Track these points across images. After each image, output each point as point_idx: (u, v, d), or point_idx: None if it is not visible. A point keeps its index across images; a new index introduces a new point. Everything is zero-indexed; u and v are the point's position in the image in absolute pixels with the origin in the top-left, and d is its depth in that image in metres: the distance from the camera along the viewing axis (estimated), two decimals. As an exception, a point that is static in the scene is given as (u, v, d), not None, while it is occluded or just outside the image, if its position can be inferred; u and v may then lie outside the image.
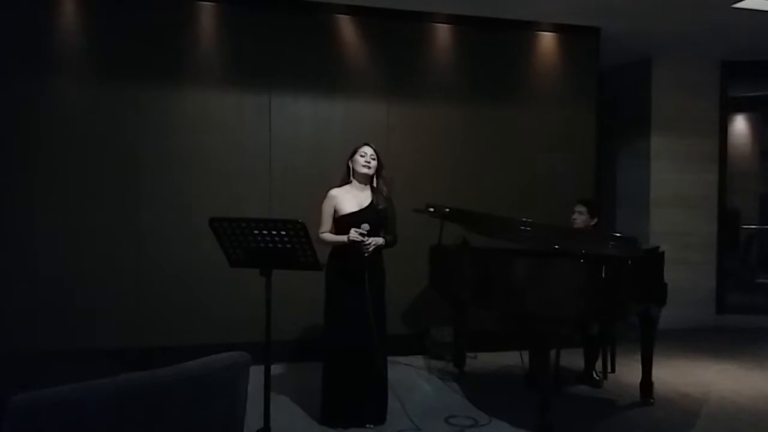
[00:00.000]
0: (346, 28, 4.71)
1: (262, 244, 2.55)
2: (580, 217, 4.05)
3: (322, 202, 3.30)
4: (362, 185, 3.32)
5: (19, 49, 4.14)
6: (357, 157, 3.28)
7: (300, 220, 2.50)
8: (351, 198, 3.28)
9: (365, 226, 3.12)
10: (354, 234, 3.12)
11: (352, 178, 3.32)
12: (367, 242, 3.13)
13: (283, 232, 2.52)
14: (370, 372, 3.22)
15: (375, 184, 3.33)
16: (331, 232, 3.28)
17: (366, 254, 3.15)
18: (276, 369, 4.10)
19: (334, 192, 3.30)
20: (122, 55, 4.30)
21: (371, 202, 3.29)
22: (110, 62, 4.29)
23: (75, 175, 4.22)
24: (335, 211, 3.26)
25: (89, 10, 4.25)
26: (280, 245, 2.54)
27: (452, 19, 4.90)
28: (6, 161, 4.12)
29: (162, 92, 4.37)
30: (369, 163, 3.27)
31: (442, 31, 4.92)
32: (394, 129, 4.79)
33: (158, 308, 4.35)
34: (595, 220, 4.07)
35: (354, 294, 3.18)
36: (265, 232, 2.53)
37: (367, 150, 3.29)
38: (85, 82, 4.26)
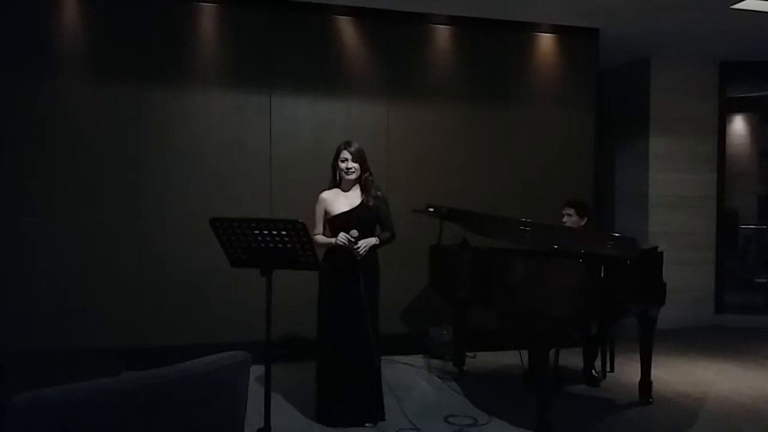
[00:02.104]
0: (347, 28, 4.72)
1: (262, 244, 2.56)
2: (570, 219, 4.07)
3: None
4: (350, 186, 3.33)
5: (19, 49, 4.14)
6: (339, 163, 3.28)
7: (300, 220, 2.51)
8: (342, 199, 3.30)
9: (354, 232, 3.13)
10: (341, 238, 3.13)
11: (339, 183, 3.33)
12: (356, 246, 3.14)
13: (284, 232, 2.52)
14: (364, 371, 3.23)
15: (362, 183, 3.33)
16: (324, 234, 3.30)
17: (358, 257, 3.16)
18: (276, 368, 4.09)
19: (324, 195, 3.32)
20: (122, 56, 4.30)
21: (361, 201, 3.29)
22: (110, 62, 4.29)
23: (75, 176, 4.23)
24: (326, 213, 3.29)
25: (89, 10, 4.26)
26: (280, 245, 2.55)
27: (452, 20, 4.90)
28: (6, 161, 4.12)
29: (162, 92, 4.37)
30: (350, 169, 3.26)
31: (442, 32, 4.93)
32: (394, 129, 4.80)
33: (158, 308, 4.35)
34: (585, 220, 4.08)
35: (348, 293, 3.18)
36: (265, 231, 2.53)
37: (346, 155, 3.26)
38: (85, 83, 4.26)
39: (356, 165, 3.27)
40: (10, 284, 4.11)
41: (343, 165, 3.27)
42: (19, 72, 4.14)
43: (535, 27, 5.09)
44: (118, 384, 1.37)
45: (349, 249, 3.14)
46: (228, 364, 1.58)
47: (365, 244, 3.17)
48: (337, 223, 3.24)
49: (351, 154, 3.26)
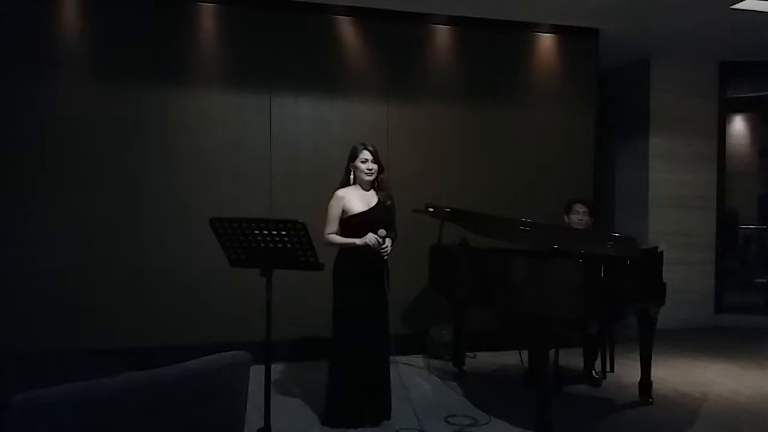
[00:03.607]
0: (346, 28, 4.72)
1: (262, 244, 2.56)
2: (585, 218, 4.05)
3: (327, 203, 3.27)
4: (367, 186, 3.32)
5: (20, 49, 4.14)
6: (358, 163, 3.26)
7: (300, 220, 2.50)
8: (358, 198, 3.26)
9: (382, 232, 3.11)
10: (372, 239, 3.10)
11: (353, 182, 3.31)
12: (384, 246, 3.13)
13: (284, 232, 2.52)
14: (382, 371, 3.23)
15: (377, 183, 3.32)
16: (337, 233, 3.27)
17: (386, 257, 3.15)
18: (276, 368, 4.10)
19: (342, 192, 3.27)
20: (122, 56, 4.30)
21: (379, 201, 3.28)
22: (110, 63, 4.29)
23: (75, 175, 4.22)
24: (343, 212, 3.24)
25: (89, 11, 4.26)
26: (280, 245, 2.55)
27: (452, 20, 4.90)
28: (6, 161, 4.12)
29: (162, 92, 4.37)
30: (371, 169, 3.26)
31: (442, 32, 4.93)
32: (394, 129, 4.80)
33: (158, 308, 4.35)
34: (593, 219, 4.09)
35: (371, 294, 3.17)
36: (265, 231, 2.53)
37: (367, 155, 3.25)
38: (85, 83, 4.26)
39: (375, 165, 3.27)
40: (10, 284, 4.11)
41: (364, 165, 3.24)
42: (19, 72, 4.14)
43: (535, 27, 5.09)
44: (118, 384, 1.37)
45: (376, 249, 3.12)
46: (228, 364, 1.58)
47: (389, 243, 3.17)
48: (356, 222, 3.20)
49: (372, 154, 3.26)
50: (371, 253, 3.13)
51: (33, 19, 4.16)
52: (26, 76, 4.15)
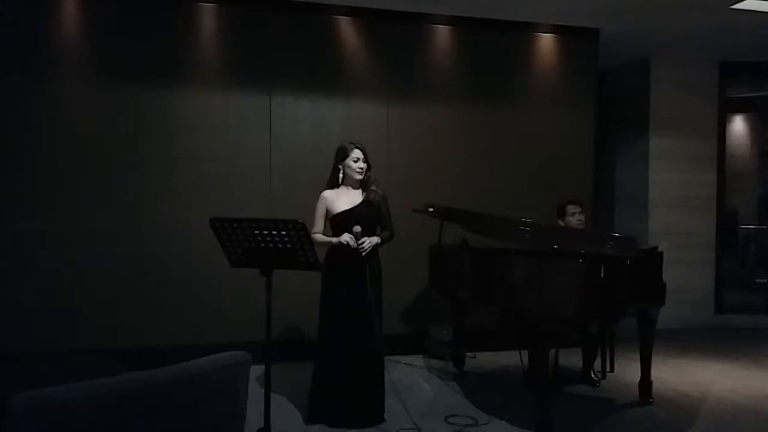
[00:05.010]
0: (346, 29, 4.72)
1: (262, 244, 2.56)
2: (582, 217, 4.06)
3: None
4: (355, 185, 3.33)
5: (19, 50, 4.14)
6: (349, 162, 3.27)
7: (300, 220, 2.51)
8: (344, 197, 3.29)
9: (357, 228, 3.12)
10: (345, 238, 3.12)
11: (342, 182, 3.31)
12: (360, 242, 3.13)
13: (284, 232, 2.52)
14: (368, 371, 3.22)
15: (365, 182, 3.32)
16: (324, 233, 3.29)
17: (363, 254, 3.15)
18: (276, 368, 4.09)
19: (326, 194, 3.31)
20: (122, 56, 4.31)
21: (364, 199, 3.29)
22: (110, 63, 4.29)
23: (75, 176, 4.23)
24: (328, 212, 3.28)
25: (89, 11, 4.26)
26: (280, 245, 2.55)
27: (452, 21, 4.91)
28: (6, 161, 4.12)
29: (162, 93, 4.38)
30: (362, 168, 3.27)
31: (442, 33, 4.93)
32: (394, 129, 4.80)
33: (158, 308, 4.35)
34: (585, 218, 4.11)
35: (353, 292, 3.17)
36: (265, 232, 2.53)
37: (359, 154, 3.27)
38: (85, 83, 4.26)
39: (366, 164, 3.28)
40: (10, 284, 4.11)
41: (356, 165, 3.26)
42: (19, 72, 4.14)
43: (535, 27, 5.09)
44: (118, 384, 1.37)
45: (353, 248, 3.13)
46: (228, 364, 1.58)
47: (369, 241, 3.17)
48: (339, 221, 3.24)
49: (363, 153, 3.28)
50: (352, 251, 3.14)
51: (33, 19, 4.16)
52: (26, 77, 4.15)
